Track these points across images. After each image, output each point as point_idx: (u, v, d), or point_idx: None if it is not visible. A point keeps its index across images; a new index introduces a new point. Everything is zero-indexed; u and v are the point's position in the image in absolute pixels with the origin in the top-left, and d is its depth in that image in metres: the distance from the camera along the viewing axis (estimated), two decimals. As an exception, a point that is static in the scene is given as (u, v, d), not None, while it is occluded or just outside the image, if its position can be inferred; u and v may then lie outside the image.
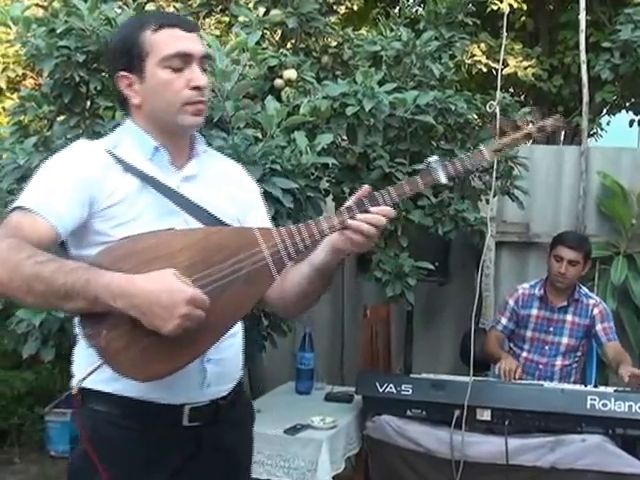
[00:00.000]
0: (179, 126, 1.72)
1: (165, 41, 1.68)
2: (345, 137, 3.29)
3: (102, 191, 1.65)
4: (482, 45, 6.17)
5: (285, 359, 4.32)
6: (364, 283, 4.48)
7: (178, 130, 1.73)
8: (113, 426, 1.66)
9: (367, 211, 1.62)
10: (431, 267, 3.39)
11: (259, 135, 2.86)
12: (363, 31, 4.60)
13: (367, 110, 3.10)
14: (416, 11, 4.26)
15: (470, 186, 3.70)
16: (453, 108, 3.39)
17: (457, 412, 3.05)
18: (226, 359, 1.77)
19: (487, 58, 6.34)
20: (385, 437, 3.22)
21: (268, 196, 2.58)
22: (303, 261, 1.73)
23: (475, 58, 6.09)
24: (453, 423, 3.07)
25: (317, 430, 3.11)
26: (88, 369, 1.58)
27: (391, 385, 3.23)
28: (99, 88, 2.97)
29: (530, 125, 1.85)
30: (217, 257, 1.58)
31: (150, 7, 3.56)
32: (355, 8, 6.59)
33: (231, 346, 1.78)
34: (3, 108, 6.07)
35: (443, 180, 1.72)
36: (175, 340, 1.49)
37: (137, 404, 1.66)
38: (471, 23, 3.70)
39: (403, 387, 3.21)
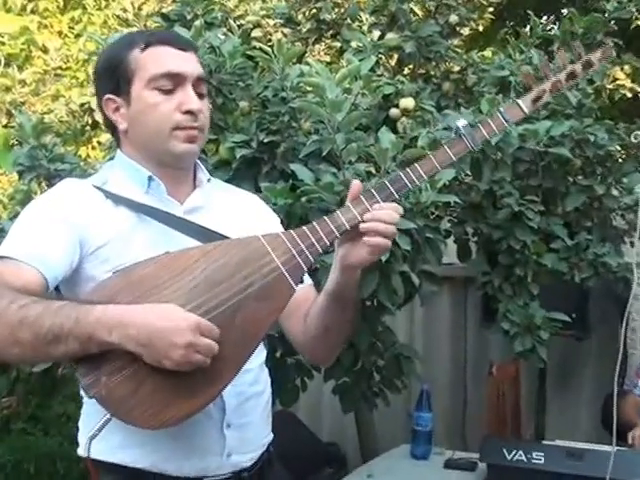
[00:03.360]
0: (170, 154, 1.59)
1: (153, 60, 1.57)
2: (469, 172, 3.12)
3: (91, 231, 1.54)
4: (626, 67, 5.90)
5: (399, 419, 4.15)
6: (489, 336, 4.25)
7: (169, 159, 1.60)
8: None
9: (392, 195, 1.53)
10: (567, 319, 3.18)
11: (372, 170, 2.72)
12: (489, 53, 4.50)
13: (494, 143, 2.93)
14: (550, 29, 4.10)
15: (611, 226, 3.44)
16: (592, 139, 3.18)
17: (597, 486, 2.74)
18: (250, 423, 1.64)
19: (632, 82, 6.05)
20: (513, 512, 2.93)
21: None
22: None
23: (618, 82, 5.83)
24: (593, 499, 2.77)
25: (437, 502, 2.87)
26: (97, 425, 1.44)
27: (521, 452, 2.95)
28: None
29: (573, 63, 1.60)
30: (222, 275, 1.45)
31: (256, 33, 3.60)
32: (480, 28, 6.47)
33: (255, 407, 1.65)
34: (99, 142, 6.27)
35: (478, 145, 1.56)
36: (187, 378, 1.37)
37: (149, 476, 1.54)
38: (612, 44, 3.50)
39: (534, 455, 2.93)
